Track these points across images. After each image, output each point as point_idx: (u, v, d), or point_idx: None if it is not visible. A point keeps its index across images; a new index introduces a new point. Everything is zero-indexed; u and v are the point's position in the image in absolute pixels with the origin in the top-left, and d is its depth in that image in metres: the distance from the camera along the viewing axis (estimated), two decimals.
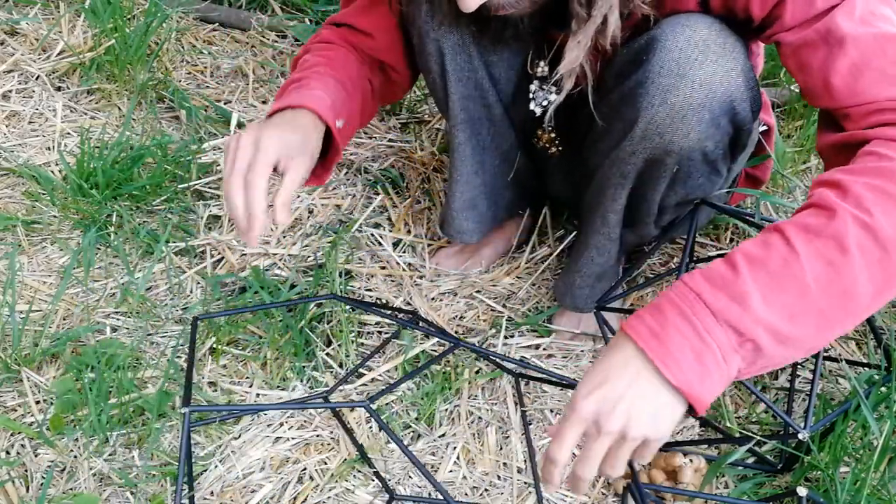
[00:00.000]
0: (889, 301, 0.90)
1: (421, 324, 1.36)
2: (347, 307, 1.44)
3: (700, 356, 0.84)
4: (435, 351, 1.43)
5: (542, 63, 1.29)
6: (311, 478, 1.26)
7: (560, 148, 1.41)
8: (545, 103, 1.32)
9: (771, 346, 0.86)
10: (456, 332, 1.46)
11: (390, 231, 1.62)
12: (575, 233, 1.59)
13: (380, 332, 1.46)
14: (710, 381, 0.84)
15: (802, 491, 1.09)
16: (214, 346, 1.41)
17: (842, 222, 0.86)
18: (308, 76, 1.22)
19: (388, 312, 1.39)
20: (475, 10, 1.02)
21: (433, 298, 1.52)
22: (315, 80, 1.22)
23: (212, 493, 1.24)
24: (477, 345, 1.44)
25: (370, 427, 1.33)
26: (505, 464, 1.30)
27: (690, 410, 0.86)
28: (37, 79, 1.88)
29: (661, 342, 0.85)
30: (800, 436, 1.12)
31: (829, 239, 0.86)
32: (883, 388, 1.23)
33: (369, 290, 1.52)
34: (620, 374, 0.85)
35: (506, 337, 1.46)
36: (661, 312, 0.86)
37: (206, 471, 1.26)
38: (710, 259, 1.54)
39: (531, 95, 1.33)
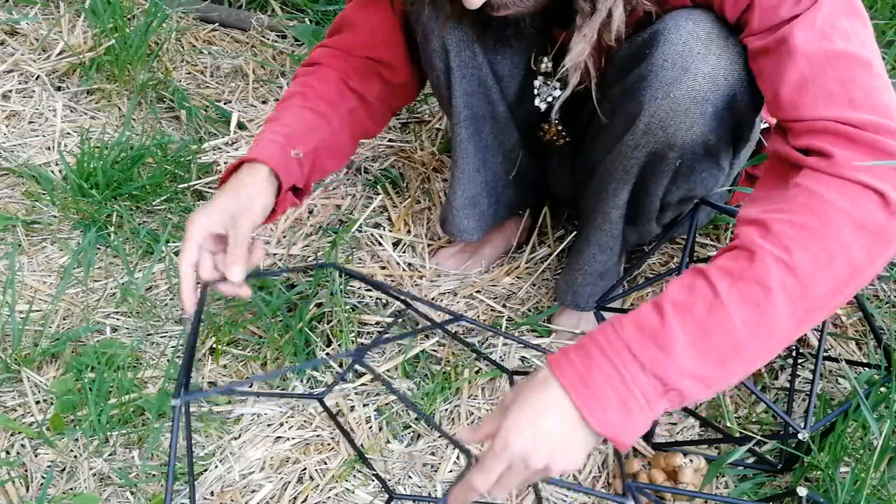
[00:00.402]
0: (809, 328, 0.93)
1: (416, 304, 1.35)
2: (348, 307, 1.44)
3: (625, 402, 0.87)
4: (435, 351, 1.43)
5: (545, 59, 1.29)
6: (311, 478, 1.26)
7: (567, 139, 1.41)
8: (549, 99, 1.32)
9: (696, 391, 0.88)
10: (456, 332, 1.46)
11: (390, 231, 1.63)
12: (575, 232, 1.59)
13: (380, 333, 1.46)
14: (633, 424, 0.87)
15: (802, 491, 1.09)
16: (214, 346, 1.41)
17: (762, 264, 0.88)
18: (278, 115, 1.25)
19: (381, 284, 1.38)
20: (478, 7, 1.02)
21: (433, 298, 1.52)
22: (284, 117, 1.24)
23: (212, 493, 1.24)
24: (477, 345, 1.44)
25: (370, 427, 1.33)
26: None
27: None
28: (37, 79, 1.88)
29: (586, 387, 0.87)
30: (800, 436, 1.13)
31: (751, 281, 0.88)
32: (883, 388, 1.23)
33: (369, 290, 1.52)
34: (550, 415, 0.87)
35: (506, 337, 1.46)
36: (589, 357, 0.88)
37: (206, 471, 1.26)
38: (709, 259, 1.54)
39: (535, 91, 1.33)
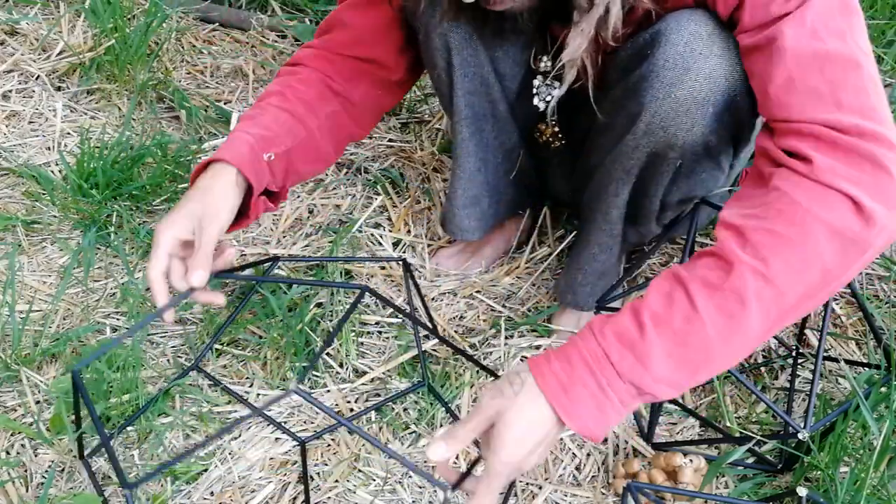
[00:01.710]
0: (778, 331, 0.97)
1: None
2: (348, 307, 1.44)
3: (601, 406, 0.93)
4: (435, 351, 1.43)
5: (545, 58, 1.29)
6: (311, 478, 1.26)
7: (563, 142, 1.41)
8: (549, 98, 1.32)
9: (668, 394, 0.94)
10: (456, 332, 1.46)
11: (390, 231, 1.62)
12: (575, 232, 1.59)
13: (380, 332, 1.47)
14: (605, 423, 0.94)
15: (802, 491, 1.09)
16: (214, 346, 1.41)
17: (739, 276, 0.91)
18: (253, 114, 1.24)
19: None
20: (473, 1, 1.02)
21: (433, 298, 1.52)
22: (259, 116, 1.23)
23: (211, 493, 1.24)
24: (477, 345, 1.44)
25: (369, 428, 1.33)
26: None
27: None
28: (37, 79, 1.88)
29: (567, 396, 0.93)
30: (800, 436, 1.13)
31: (728, 293, 0.91)
32: (883, 388, 1.23)
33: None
34: (535, 429, 0.94)
35: (506, 337, 1.46)
36: (571, 366, 0.94)
37: (206, 471, 1.26)
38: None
39: (535, 91, 1.33)
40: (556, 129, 1.39)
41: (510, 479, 0.96)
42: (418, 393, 1.37)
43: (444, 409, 1.35)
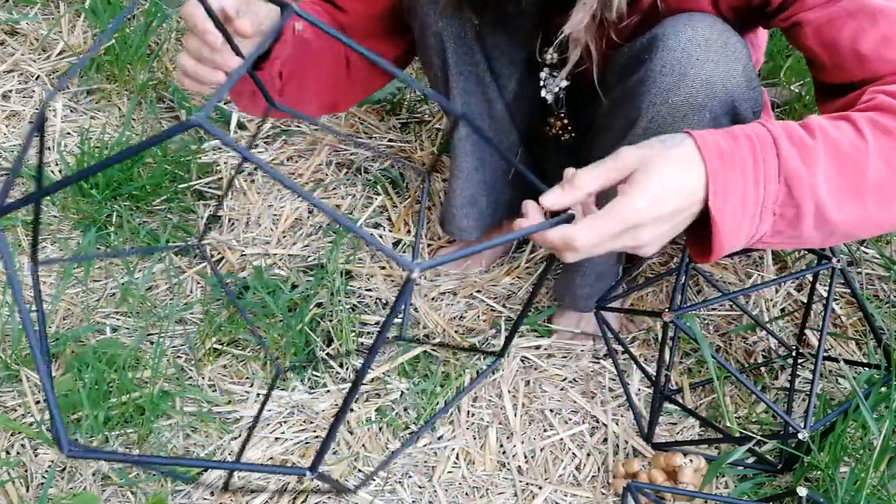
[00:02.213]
0: None
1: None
2: (348, 307, 1.44)
3: (745, 200, 0.85)
4: (435, 351, 1.43)
5: (550, 50, 1.29)
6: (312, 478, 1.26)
7: (573, 135, 1.41)
8: (556, 89, 1.32)
9: (809, 221, 0.88)
10: (456, 332, 1.46)
11: (390, 231, 1.62)
12: None
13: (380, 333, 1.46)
14: (738, 227, 0.85)
15: (802, 491, 1.09)
16: (215, 346, 1.41)
17: None
18: None
19: None
20: None
21: (433, 298, 1.52)
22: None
23: (212, 493, 1.24)
24: (477, 345, 1.44)
25: (368, 428, 1.33)
26: (505, 464, 1.30)
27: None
28: (37, 79, 1.88)
29: (724, 164, 0.84)
30: (800, 436, 1.13)
31: (894, 140, 0.89)
32: (883, 388, 1.23)
33: (369, 289, 1.52)
34: (676, 195, 0.83)
35: (506, 337, 1.46)
36: (734, 140, 0.86)
37: (206, 470, 1.26)
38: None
39: (542, 83, 1.33)
40: (566, 121, 1.39)
41: (621, 241, 0.83)
42: (419, 393, 1.37)
43: (443, 408, 1.35)
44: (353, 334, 1.44)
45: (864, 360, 1.43)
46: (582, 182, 0.83)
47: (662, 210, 0.83)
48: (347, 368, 1.40)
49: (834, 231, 0.90)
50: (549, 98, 1.34)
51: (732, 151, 0.85)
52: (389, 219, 1.65)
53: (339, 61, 1.29)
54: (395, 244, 1.61)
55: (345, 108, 1.41)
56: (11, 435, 1.29)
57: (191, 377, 1.37)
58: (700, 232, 0.89)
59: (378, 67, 1.33)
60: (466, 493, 1.26)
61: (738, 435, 1.27)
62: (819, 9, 1.02)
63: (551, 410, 1.37)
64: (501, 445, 1.32)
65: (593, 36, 1.12)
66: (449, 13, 1.25)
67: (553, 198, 0.83)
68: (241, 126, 1.81)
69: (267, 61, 1.13)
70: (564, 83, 1.29)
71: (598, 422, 1.35)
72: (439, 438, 1.32)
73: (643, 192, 0.82)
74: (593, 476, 1.29)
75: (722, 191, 0.84)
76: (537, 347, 1.45)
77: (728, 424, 1.29)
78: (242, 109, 1.23)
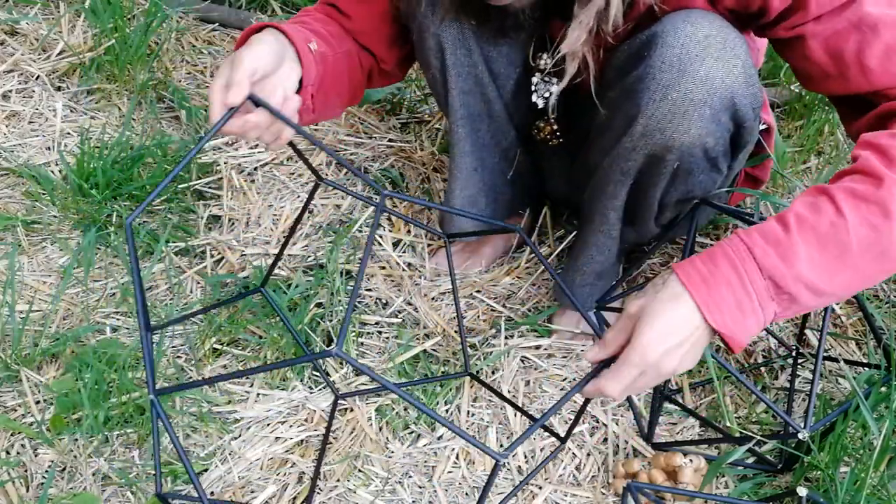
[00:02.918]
0: None
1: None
2: (348, 306, 1.43)
3: (740, 304, 0.94)
4: (435, 351, 1.43)
5: (544, 55, 1.29)
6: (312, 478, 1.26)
7: (560, 140, 1.41)
8: (547, 95, 1.32)
9: (806, 298, 0.95)
10: (456, 332, 1.46)
11: (390, 231, 1.62)
12: (575, 232, 1.59)
13: (380, 333, 1.47)
14: (745, 325, 0.94)
15: (802, 491, 1.09)
16: (215, 346, 1.41)
17: (887, 191, 0.94)
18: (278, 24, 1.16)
19: None
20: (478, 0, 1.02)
21: (433, 298, 1.52)
22: (288, 24, 1.17)
23: (212, 493, 1.24)
24: (477, 345, 1.44)
25: (371, 426, 1.33)
26: (505, 464, 1.30)
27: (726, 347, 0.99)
28: (37, 79, 1.88)
29: (708, 288, 0.93)
30: (800, 436, 1.12)
31: (874, 205, 0.94)
32: (883, 388, 1.23)
33: (369, 289, 1.52)
34: (679, 324, 0.94)
35: (506, 337, 1.46)
36: (714, 262, 0.95)
37: (206, 471, 1.26)
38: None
39: (533, 88, 1.33)
40: (555, 126, 1.39)
41: (648, 378, 0.95)
42: (419, 392, 1.37)
43: (444, 407, 1.35)
44: (354, 334, 1.44)
45: (864, 360, 1.43)
46: (610, 339, 0.97)
47: (669, 344, 0.93)
48: (347, 368, 1.40)
49: (834, 295, 0.97)
50: (540, 103, 1.34)
51: (713, 273, 0.94)
52: (389, 219, 1.65)
53: (353, 62, 1.29)
54: (396, 244, 1.61)
55: (361, 96, 1.42)
56: (11, 435, 1.29)
57: (191, 377, 1.37)
58: None
59: (380, 73, 1.34)
60: (466, 493, 1.26)
61: (738, 435, 1.27)
62: (824, 20, 1.03)
63: None
64: (501, 445, 1.32)
65: (591, 48, 1.12)
66: (449, 18, 1.25)
67: (593, 354, 0.98)
68: None
69: (302, 90, 1.14)
70: (556, 88, 1.29)
71: (598, 422, 1.35)
72: (439, 438, 1.32)
73: (645, 338, 0.93)
74: (593, 476, 1.29)
75: (716, 307, 0.93)
76: (537, 347, 1.45)
77: (728, 424, 1.29)
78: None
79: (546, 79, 1.31)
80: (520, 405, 1.37)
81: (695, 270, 0.95)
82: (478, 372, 1.40)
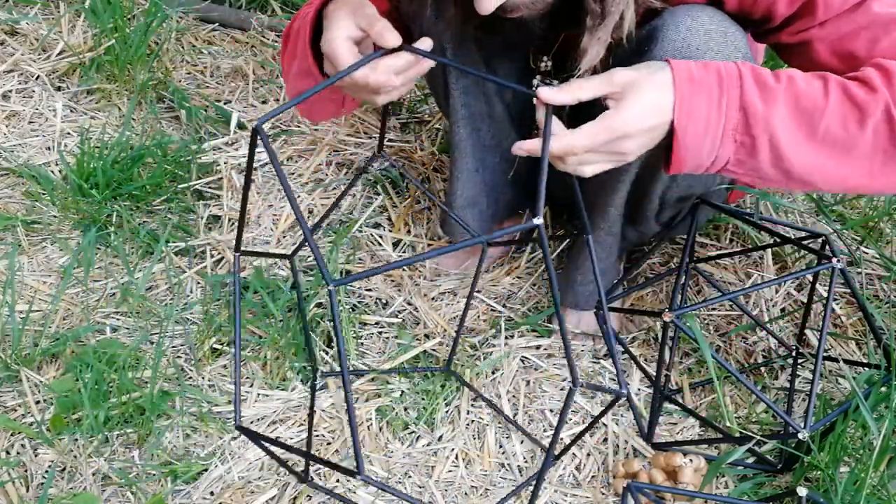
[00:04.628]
0: (877, 193, 1.06)
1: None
2: (348, 307, 1.44)
3: (708, 122, 0.97)
4: (435, 351, 1.43)
5: (545, 58, 1.29)
6: (311, 478, 1.26)
7: None
8: None
9: (765, 155, 0.99)
10: (456, 332, 1.46)
11: (390, 231, 1.62)
12: (575, 232, 1.59)
13: (380, 333, 1.47)
14: (699, 147, 0.98)
15: (802, 491, 1.09)
16: (215, 345, 1.41)
17: (875, 104, 0.97)
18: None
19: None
20: (491, 11, 1.01)
21: (433, 298, 1.52)
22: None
23: (211, 493, 1.24)
24: (477, 345, 1.44)
25: (369, 427, 1.33)
26: (505, 464, 1.30)
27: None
28: (37, 79, 1.88)
29: (691, 86, 0.97)
30: (800, 436, 1.13)
31: (856, 109, 0.97)
32: (883, 388, 1.23)
33: (369, 289, 1.52)
34: (654, 110, 0.97)
35: (506, 337, 1.46)
36: (706, 69, 0.98)
37: (205, 471, 1.26)
38: (710, 259, 1.54)
39: (534, 88, 1.33)
40: None
41: (609, 152, 0.98)
42: (419, 392, 1.37)
43: (444, 408, 1.35)
44: (353, 334, 1.44)
45: (864, 360, 1.43)
46: (578, 86, 0.99)
47: (644, 124, 0.97)
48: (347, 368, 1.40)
49: (790, 171, 1.00)
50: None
51: (702, 78, 0.97)
52: (389, 219, 1.65)
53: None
54: (396, 244, 1.61)
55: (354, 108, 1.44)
56: (11, 435, 1.29)
57: (191, 377, 1.37)
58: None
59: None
60: (466, 493, 1.26)
61: (738, 435, 1.27)
62: (832, 23, 1.03)
63: (551, 410, 1.37)
64: (501, 445, 1.32)
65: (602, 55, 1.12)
66: (453, 24, 1.25)
67: (550, 93, 0.99)
68: (241, 126, 1.80)
69: None
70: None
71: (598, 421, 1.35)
72: (439, 439, 1.32)
73: (632, 108, 0.96)
74: (593, 476, 1.29)
75: (687, 110, 0.96)
76: (537, 347, 1.45)
77: (728, 424, 1.29)
78: (307, 116, 1.33)
79: (546, 81, 1.31)
80: (520, 405, 1.37)
81: (687, 69, 0.98)
82: (478, 373, 1.40)
